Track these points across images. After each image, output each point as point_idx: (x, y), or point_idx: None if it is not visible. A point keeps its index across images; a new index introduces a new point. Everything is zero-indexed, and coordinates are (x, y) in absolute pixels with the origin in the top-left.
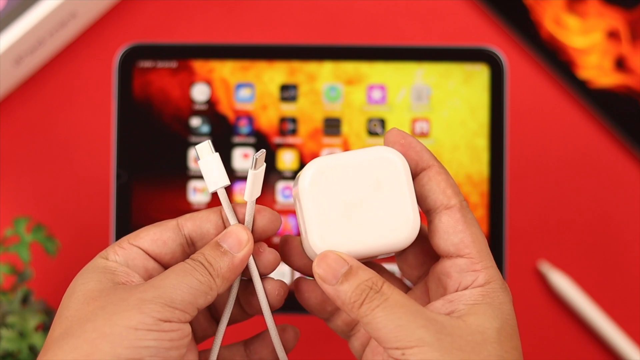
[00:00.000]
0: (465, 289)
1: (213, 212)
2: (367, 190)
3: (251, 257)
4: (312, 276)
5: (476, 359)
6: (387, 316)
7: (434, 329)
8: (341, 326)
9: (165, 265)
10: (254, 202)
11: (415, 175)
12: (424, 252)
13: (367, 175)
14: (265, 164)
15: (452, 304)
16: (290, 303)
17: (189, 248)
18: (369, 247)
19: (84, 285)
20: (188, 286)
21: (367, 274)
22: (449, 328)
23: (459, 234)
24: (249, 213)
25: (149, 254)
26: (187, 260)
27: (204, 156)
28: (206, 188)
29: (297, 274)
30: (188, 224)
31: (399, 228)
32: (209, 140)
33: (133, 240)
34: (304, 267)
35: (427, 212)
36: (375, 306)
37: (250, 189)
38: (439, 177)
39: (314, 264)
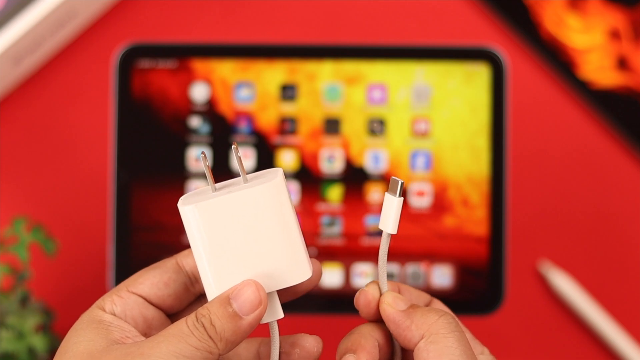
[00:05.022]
0: None
1: None
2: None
3: (275, 326)
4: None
5: None
6: None
7: None
8: None
9: (167, 310)
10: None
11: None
12: None
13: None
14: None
15: None
16: (299, 302)
17: (193, 286)
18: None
19: (76, 346)
20: (181, 355)
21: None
22: None
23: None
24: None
25: (149, 301)
26: (189, 320)
27: (392, 192)
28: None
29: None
30: (188, 260)
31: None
32: (402, 182)
33: (132, 287)
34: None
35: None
36: None
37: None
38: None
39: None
